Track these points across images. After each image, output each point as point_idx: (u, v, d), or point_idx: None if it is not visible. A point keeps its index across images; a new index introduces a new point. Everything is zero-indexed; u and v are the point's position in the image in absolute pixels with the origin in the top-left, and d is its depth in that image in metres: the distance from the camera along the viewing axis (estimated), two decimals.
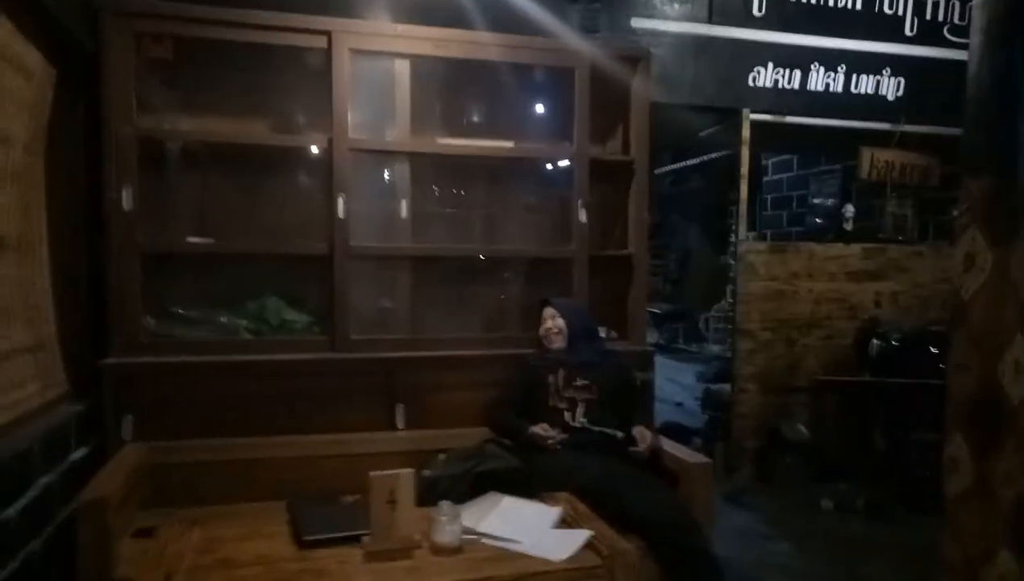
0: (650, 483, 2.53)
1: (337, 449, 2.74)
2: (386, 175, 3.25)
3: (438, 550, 1.84)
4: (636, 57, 3.31)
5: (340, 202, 2.88)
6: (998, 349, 1.76)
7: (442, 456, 2.60)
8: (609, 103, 3.37)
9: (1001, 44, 1.76)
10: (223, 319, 2.95)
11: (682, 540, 2.32)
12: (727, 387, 4.60)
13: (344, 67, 2.85)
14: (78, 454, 2.51)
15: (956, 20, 4.56)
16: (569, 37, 3.30)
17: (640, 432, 2.72)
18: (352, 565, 1.77)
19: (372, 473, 1.83)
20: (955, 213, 4.63)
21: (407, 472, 1.87)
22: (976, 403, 1.81)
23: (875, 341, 4.28)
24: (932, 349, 4.08)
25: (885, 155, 4.57)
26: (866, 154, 4.55)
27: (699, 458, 2.69)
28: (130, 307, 2.70)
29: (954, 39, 4.54)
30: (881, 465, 4.18)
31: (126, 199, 2.68)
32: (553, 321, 2.99)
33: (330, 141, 2.87)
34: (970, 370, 1.82)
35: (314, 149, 3.05)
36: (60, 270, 2.56)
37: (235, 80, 3.03)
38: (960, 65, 4.43)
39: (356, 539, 1.86)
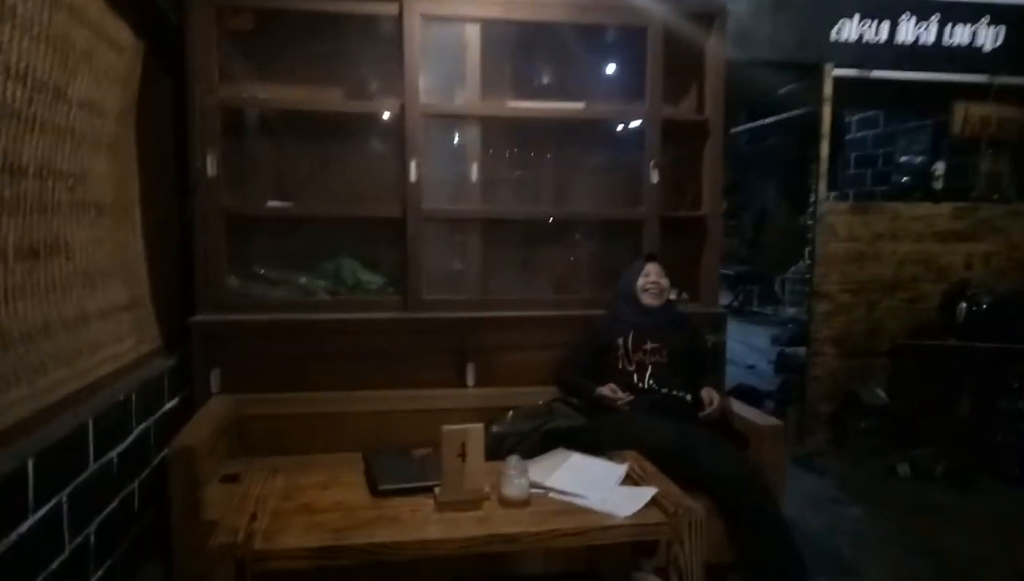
0: (721, 444, 2.54)
1: (410, 405, 2.84)
2: (456, 139, 3.28)
3: (506, 502, 1.90)
4: (711, 14, 3.21)
5: (412, 166, 2.93)
6: None
7: (510, 413, 2.65)
8: (682, 62, 3.29)
9: None
10: (302, 280, 3.08)
11: (752, 500, 2.33)
12: (802, 350, 4.50)
13: (415, 33, 2.88)
14: (170, 404, 2.70)
15: None
16: None
17: (708, 393, 2.72)
18: (424, 514, 1.85)
19: (444, 427, 1.89)
20: None
21: (477, 427, 1.92)
22: None
23: (963, 304, 4.09)
24: None
25: (981, 110, 4.30)
26: (959, 110, 4.30)
27: (770, 420, 2.67)
28: (216, 268, 2.84)
29: None
30: (964, 432, 4.03)
31: (210, 165, 2.80)
32: (659, 277, 2.96)
33: (402, 106, 2.92)
34: None
35: (386, 115, 3.11)
36: (152, 233, 2.72)
37: (310, 49, 3.11)
38: None
39: (428, 490, 1.93)
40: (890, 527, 3.19)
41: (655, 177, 3.14)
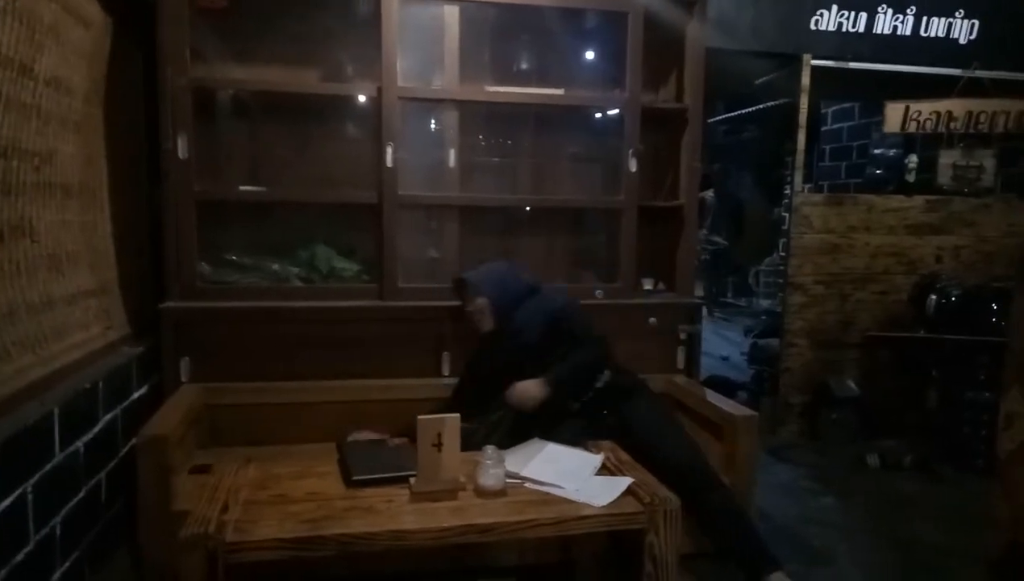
0: (678, 431, 2.59)
1: (384, 394, 2.82)
2: (434, 124, 3.24)
3: (482, 493, 1.89)
4: (691, 1, 3.20)
5: (389, 151, 2.89)
6: None
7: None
8: (662, 49, 3.28)
9: None
10: (275, 266, 3.03)
11: (705, 490, 2.40)
12: (775, 342, 4.54)
13: (393, 15, 2.83)
14: (139, 393, 2.64)
15: None
16: None
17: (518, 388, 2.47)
18: (399, 504, 1.83)
19: (420, 417, 1.87)
20: None
21: (454, 416, 1.91)
22: None
23: (933, 297, 4.15)
24: (994, 306, 3.94)
25: (934, 105, 4.33)
26: (894, 109, 4.34)
27: (744, 411, 2.68)
28: (187, 253, 2.78)
29: None
30: (932, 423, 4.10)
31: (181, 148, 2.74)
32: (472, 304, 2.68)
33: (379, 89, 2.87)
34: None
35: (363, 98, 3.06)
36: (121, 217, 2.65)
37: (286, 29, 3.04)
38: None
39: (403, 480, 1.92)
40: (860, 517, 3.24)
41: (634, 165, 3.13)
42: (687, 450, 2.49)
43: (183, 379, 2.75)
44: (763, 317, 6.67)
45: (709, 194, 7.70)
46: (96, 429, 2.24)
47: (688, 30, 3.21)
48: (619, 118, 3.18)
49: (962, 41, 4.29)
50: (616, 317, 3.11)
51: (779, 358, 4.38)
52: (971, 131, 4.43)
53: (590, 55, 3.47)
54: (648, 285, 3.34)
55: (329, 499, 1.86)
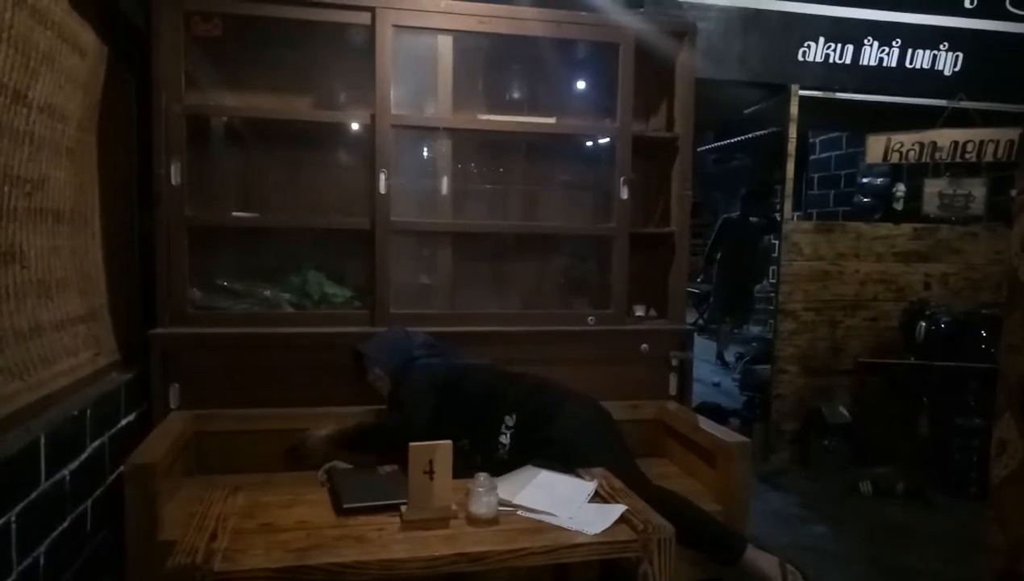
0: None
1: (376, 421, 2.79)
2: (427, 151, 3.27)
3: (474, 521, 1.87)
4: (681, 32, 3.26)
5: (382, 178, 2.90)
6: None
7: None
8: (653, 79, 3.32)
9: None
10: (266, 292, 3.02)
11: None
12: (767, 368, 4.54)
13: (387, 43, 2.86)
14: (127, 420, 2.61)
15: None
16: (613, 12, 3.25)
17: None
18: (389, 533, 1.81)
19: (412, 444, 1.85)
20: (1013, 192, 4.47)
21: (446, 443, 1.90)
22: None
23: (922, 323, 4.17)
24: (983, 332, 3.97)
25: (917, 136, 4.40)
26: (875, 141, 4.40)
27: (736, 438, 2.68)
28: (178, 279, 2.77)
29: (1017, 11, 4.35)
30: (923, 450, 4.10)
31: (174, 174, 2.74)
32: (371, 373, 2.77)
33: (372, 117, 2.89)
34: (1022, 351, 1.77)
35: (356, 125, 3.08)
36: (112, 243, 2.65)
37: (280, 57, 3.07)
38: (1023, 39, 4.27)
39: (394, 508, 1.89)
40: (854, 545, 3.22)
41: (625, 193, 3.15)
42: (611, 457, 2.42)
43: (172, 406, 2.73)
44: (754, 343, 6.69)
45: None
46: (83, 457, 2.21)
47: (678, 61, 3.26)
48: (611, 146, 3.22)
49: (947, 73, 4.37)
50: (608, 343, 3.11)
51: (770, 385, 4.38)
52: (958, 160, 4.49)
53: (582, 85, 3.51)
54: (640, 311, 3.35)
55: (319, 527, 1.83)
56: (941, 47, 4.33)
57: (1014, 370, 1.82)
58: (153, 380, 2.72)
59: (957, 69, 4.36)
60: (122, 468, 2.17)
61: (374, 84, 2.87)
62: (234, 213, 3.02)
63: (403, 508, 1.87)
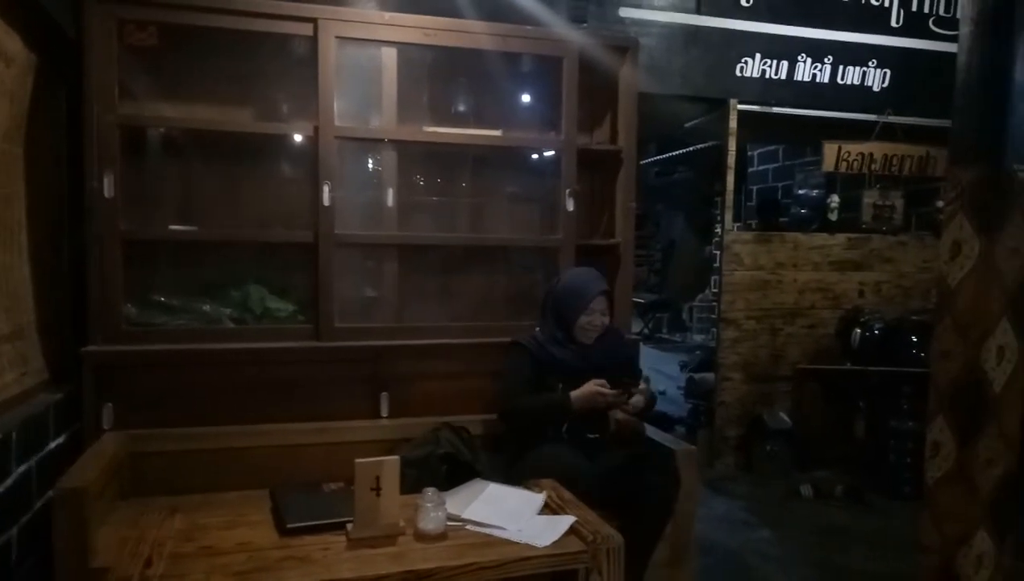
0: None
1: (320, 437, 2.74)
2: (372, 164, 3.23)
3: (422, 537, 1.84)
4: (624, 47, 3.31)
5: (325, 190, 2.86)
6: (982, 336, 1.79)
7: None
8: (597, 93, 3.36)
9: (991, 34, 1.77)
10: (206, 307, 2.93)
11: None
12: (710, 376, 4.63)
13: (330, 55, 2.83)
14: (56, 442, 2.49)
15: (941, 12, 4.58)
16: (557, 26, 3.29)
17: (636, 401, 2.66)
18: (335, 552, 1.77)
19: (358, 460, 1.82)
20: (939, 203, 4.69)
21: (393, 459, 1.87)
22: (959, 389, 1.83)
23: (857, 330, 4.32)
24: (913, 338, 4.12)
25: (860, 147, 4.58)
26: (830, 148, 4.57)
27: (683, 445, 2.71)
28: (111, 295, 2.67)
29: (940, 31, 4.57)
30: (860, 453, 4.23)
31: (108, 187, 2.65)
32: (604, 316, 2.70)
33: (316, 129, 2.85)
34: (954, 357, 1.84)
35: (299, 137, 3.03)
36: (40, 258, 2.54)
37: (219, 67, 3.00)
38: (946, 57, 4.48)
39: (340, 526, 1.85)
40: (795, 547, 3.30)
41: (571, 205, 3.17)
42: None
43: (105, 427, 2.62)
44: (697, 352, 6.81)
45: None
46: (8, 483, 2.10)
47: (621, 75, 3.31)
48: (556, 159, 3.24)
49: (875, 89, 4.55)
50: None
51: (714, 392, 4.46)
52: (886, 173, 4.68)
53: (527, 98, 3.53)
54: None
55: (261, 549, 1.78)
56: (870, 64, 4.51)
57: (944, 375, 1.89)
58: (85, 400, 2.60)
59: (885, 85, 4.55)
60: (51, 493, 2.07)
61: (317, 96, 2.83)
62: (171, 226, 2.93)
63: (349, 526, 1.83)
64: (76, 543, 2.02)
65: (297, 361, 2.84)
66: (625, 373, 2.68)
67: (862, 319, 4.37)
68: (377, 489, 1.82)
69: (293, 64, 3.01)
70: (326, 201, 2.86)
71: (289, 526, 1.86)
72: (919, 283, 4.71)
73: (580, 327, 2.67)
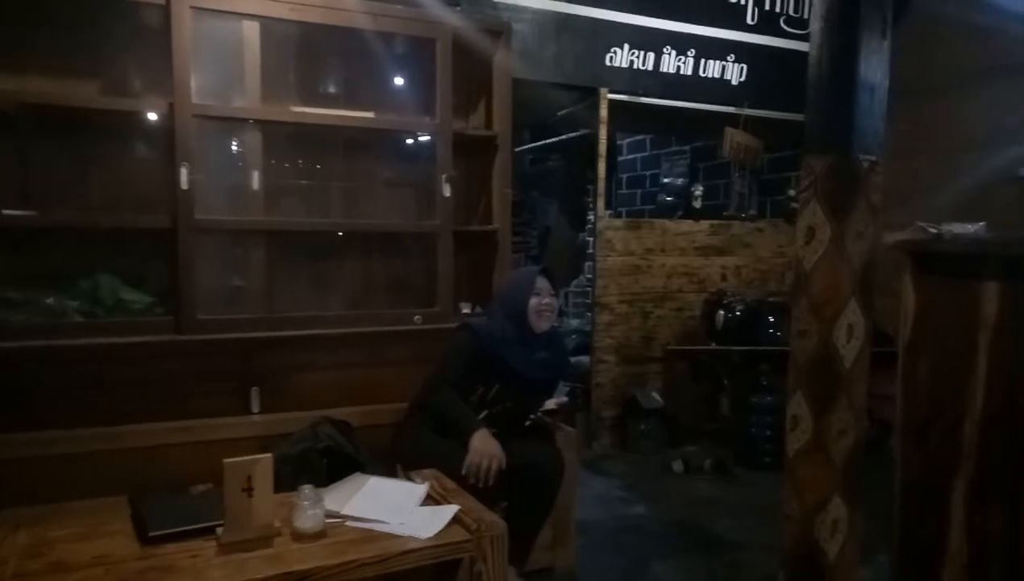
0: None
1: (186, 437, 2.57)
2: (236, 145, 3.05)
3: (299, 536, 1.76)
4: (498, 31, 3.29)
5: (184, 172, 2.66)
6: (834, 315, 1.91)
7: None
8: (472, 77, 3.33)
9: (839, 31, 1.88)
10: (49, 300, 2.66)
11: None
12: (586, 359, 4.74)
13: (185, 26, 2.63)
14: None
15: (791, 12, 4.88)
16: (431, 7, 3.22)
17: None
18: (204, 558, 1.66)
19: (226, 460, 1.71)
20: (790, 192, 5.00)
21: (266, 457, 1.77)
22: (815, 365, 1.95)
23: (721, 312, 4.55)
24: (770, 318, 4.40)
25: (738, 137, 4.83)
26: (728, 134, 4.79)
27: (563, 427, 2.76)
28: None
29: (790, 30, 4.86)
30: (726, 428, 4.48)
31: None
32: (551, 298, 2.68)
33: (171, 106, 2.65)
34: (810, 335, 1.96)
35: (153, 115, 2.80)
36: None
37: (61, 37, 2.71)
38: (795, 54, 4.78)
39: (210, 531, 1.74)
40: (668, 521, 3.44)
41: (447, 191, 3.13)
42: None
43: None
44: (574, 336, 6.97)
45: None
46: None
47: (495, 60, 3.29)
48: (431, 143, 3.19)
49: (734, 83, 4.79)
50: (436, 342, 3.06)
51: (590, 374, 4.58)
52: (745, 163, 4.96)
53: (401, 80, 3.45)
54: (466, 309, 3.35)
55: (120, 561, 1.64)
56: (728, 58, 4.74)
57: (802, 353, 2.01)
58: None
59: (743, 79, 4.80)
60: None
61: (171, 70, 2.63)
62: (6, 211, 2.63)
63: (219, 530, 1.72)
64: None
65: (157, 356, 2.65)
66: (549, 391, 2.81)
67: (725, 301, 4.61)
68: (249, 489, 1.72)
69: (145, 35, 2.78)
70: (184, 184, 2.67)
71: (151, 534, 1.72)
72: (775, 267, 5.03)
73: (533, 311, 2.64)
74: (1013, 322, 2.12)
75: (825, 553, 1.98)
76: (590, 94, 4.47)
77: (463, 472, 2.34)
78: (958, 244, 2.39)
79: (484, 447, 2.38)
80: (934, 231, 2.44)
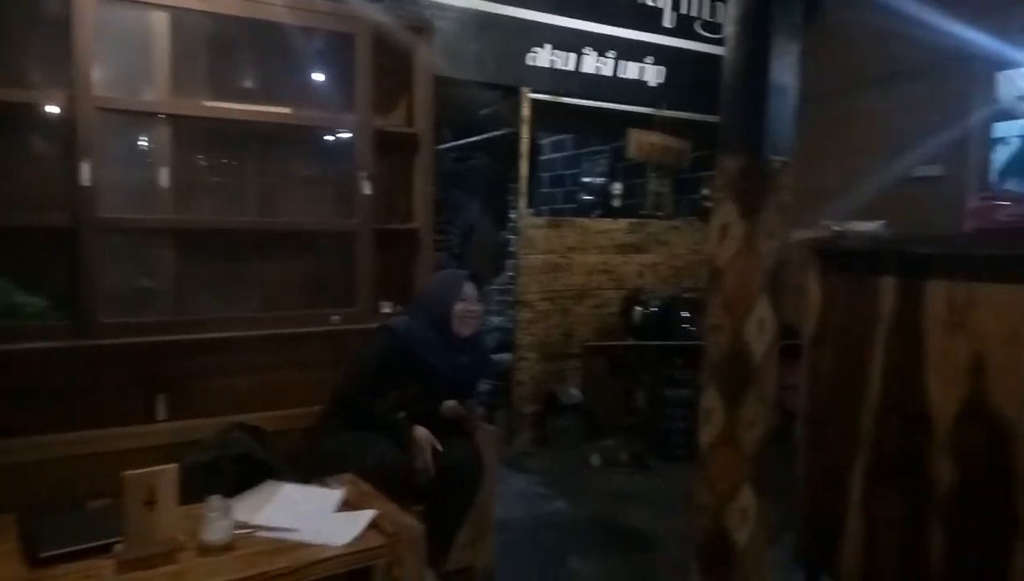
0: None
1: (83, 448, 2.43)
2: (144, 140, 2.92)
3: (206, 549, 1.70)
4: (419, 27, 3.26)
5: (85, 168, 2.53)
6: (746, 311, 1.97)
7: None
8: (392, 74, 3.28)
9: (752, 35, 1.94)
10: None
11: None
12: (507, 356, 4.77)
13: (87, 14, 2.49)
14: None
15: (707, 17, 5.01)
16: (350, 1, 3.16)
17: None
18: (101, 579, 1.58)
19: (125, 473, 1.63)
20: (705, 192, 5.14)
21: (170, 468, 1.70)
22: (727, 359, 2.01)
23: (637, 308, 4.65)
24: (684, 314, 4.52)
25: (649, 137, 4.93)
26: (633, 135, 4.88)
27: (484, 427, 2.76)
28: None
29: (705, 34, 5.00)
30: (642, 421, 4.58)
31: None
32: (477, 303, 2.68)
33: (71, 98, 2.51)
34: (723, 330, 2.01)
35: (53, 108, 2.64)
36: None
37: None
38: (710, 58, 4.91)
39: (108, 548, 1.66)
40: (586, 515, 3.50)
41: (367, 188, 3.08)
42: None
43: None
44: (495, 333, 6.99)
45: None
46: None
47: (417, 57, 3.26)
48: (351, 140, 3.13)
49: (652, 84, 4.89)
50: (355, 341, 3.02)
51: (511, 371, 4.60)
52: (663, 163, 5.07)
53: (320, 76, 3.37)
54: (387, 308, 3.30)
55: None
56: (647, 60, 4.84)
57: (715, 347, 2.06)
58: None
59: (661, 81, 4.91)
60: None
61: (72, 61, 2.49)
62: None
63: (119, 547, 1.65)
64: None
65: (53, 364, 2.51)
66: (469, 391, 2.83)
67: (641, 298, 4.72)
68: (152, 502, 1.65)
69: (43, 23, 2.62)
70: (86, 180, 2.53)
71: (43, 555, 1.63)
72: (689, 264, 5.17)
73: (457, 316, 2.61)
74: (907, 315, 2.25)
75: (735, 541, 2.05)
76: (512, 93, 4.49)
77: (418, 469, 2.40)
78: (858, 242, 2.52)
79: (426, 435, 2.46)
80: (837, 230, 2.57)
